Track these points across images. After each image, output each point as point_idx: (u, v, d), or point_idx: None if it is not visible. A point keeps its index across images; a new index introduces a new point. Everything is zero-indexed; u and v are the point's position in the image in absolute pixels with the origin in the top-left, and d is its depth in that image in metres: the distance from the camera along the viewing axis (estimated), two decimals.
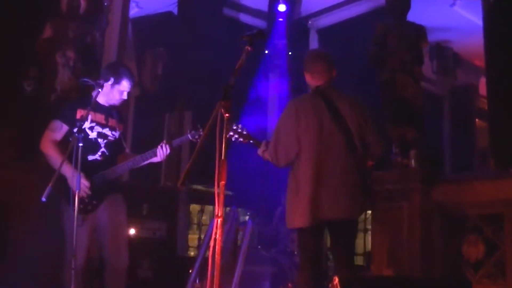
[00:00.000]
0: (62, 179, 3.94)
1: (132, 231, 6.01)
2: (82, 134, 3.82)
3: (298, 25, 8.62)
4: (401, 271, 5.44)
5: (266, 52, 8.49)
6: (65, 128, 4.20)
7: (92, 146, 4.20)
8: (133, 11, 7.79)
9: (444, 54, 9.23)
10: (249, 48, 3.13)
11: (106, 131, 4.30)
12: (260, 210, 7.80)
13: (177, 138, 4.49)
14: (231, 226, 5.31)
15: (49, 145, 4.17)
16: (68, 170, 3.94)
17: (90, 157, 4.19)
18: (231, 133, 4.25)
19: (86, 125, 4.16)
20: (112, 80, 4.25)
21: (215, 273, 2.80)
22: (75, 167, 3.80)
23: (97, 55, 6.04)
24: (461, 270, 5.30)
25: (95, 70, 5.65)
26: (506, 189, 5.10)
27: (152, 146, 4.32)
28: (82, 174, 3.91)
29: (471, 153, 9.45)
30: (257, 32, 3.17)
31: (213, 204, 2.91)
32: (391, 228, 5.67)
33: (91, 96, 4.31)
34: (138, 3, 7.97)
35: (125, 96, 4.38)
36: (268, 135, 7.41)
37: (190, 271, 5.12)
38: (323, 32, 8.74)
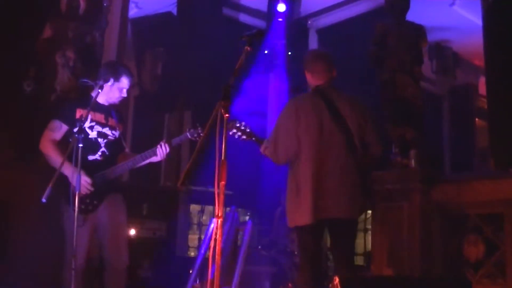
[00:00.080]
0: (62, 179, 3.95)
1: (132, 231, 6.01)
2: (82, 135, 3.82)
3: (297, 25, 8.61)
4: (401, 271, 5.44)
5: (266, 52, 8.48)
6: (64, 128, 4.20)
7: (92, 145, 4.20)
8: (133, 12, 7.78)
9: (444, 53, 9.23)
10: (248, 48, 3.13)
11: (106, 130, 4.30)
12: (260, 210, 7.80)
13: (176, 137, 4.49)
14: (231, 226, 5.30)
15: (48, 145, 4.17)
16: (68, 170, 3.95)
17: (90, 157, 4.19)
18: (234, 131, 4.27)
19: (86, 124, 4.16)
20: (111, 80, 4.25)
21: (215, 273, 2.80)
22: (75, 166, 3.80)
23: (97, 55, 6.04)
24: (461, 270, 5.30)
25: (94, 70, 5.64)
26: (506, 189, 5.10)
27: (152, 146, 4.32)
28: (82, 172, 3.92)
29: (471, 153, 9.44)
30: (256, 32, 3.18)
31: (213, 204, 2.91)
32: (391, 228, 5.67)
33: (90, 96, 4.31)
34: (137, 3, 7.97)
35: (124, 94, 4.38)
36: (268, 134, 7.40)
37: (190, 271, 5.11)
38: (323, 32, 8.74)
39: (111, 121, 4.34)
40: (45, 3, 5.78)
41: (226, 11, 8.10)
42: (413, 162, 5.71)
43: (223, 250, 3.25)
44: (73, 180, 3.90)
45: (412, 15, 6.26)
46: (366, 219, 7.12)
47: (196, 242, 7.76)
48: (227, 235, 5.22)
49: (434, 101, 9.73)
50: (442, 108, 10.03)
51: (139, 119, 8.66)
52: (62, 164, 3.77)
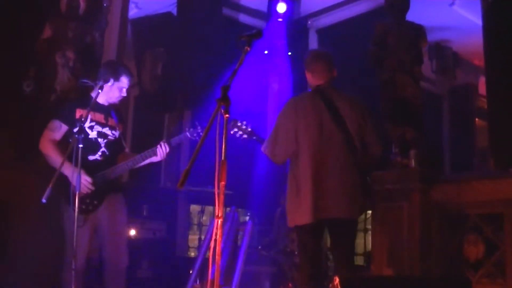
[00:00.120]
0: (63, 179, 3.95)
1: (132, 232, 6.01)
2: (82, 135, 3.82)
3: (297, 25, 8.61)
4: (401, 271, 5.44)
5: (266, 52, 8.48)
6: (64, 128, 4.20)
7: (92, 145, 4.20)
8: (133, 12, 7.78)
9: (444, 53, 9.23)
10: (248, 48, 3.13)
11: (106, 130, 4.30)
12: (260, 210, 7.80)
13: (176, 136, 4.50)
14: (231, 226, 5.31)
15: (48, 145, 4.17)
16: (68, 170, 3.95)
17: (91, 157, 4.19)
18: (235, 130, 4.28)
19: (86, 124, 4.16)
20: (111, 80, 4.25)
21: (215, 274, 2.80)
22: (76, 166, 3.80)
23: (97, 55, 6.04)
24: (461, 270, 5.30)
25: (94, 70, 5.64)
26: (506, 189, 5.10)
27: (151, 146, 4.33)
28: (82, 171, 3.92)
29: (470, 153, 9.43)
30: (256, 32, 3.18)
31: (213, 205, 2.91)
32: (391, 228, 5.67)
33: (90, 96, 4.32)
34: (137, 3, 7.97)
35: (124, 93, 4.39)
36: (268, 134, 7.41)
37: (191, 271, 5.11)
38: (323, 32, 8.73)
39: (111, 121, 4.35)
40: (45, 3, 5.78)
41: (226, 11, 8.10)
42: (413, 162, 5.70)
43: (223, 251, 3.25)
44: (73, 180, 3.90)
45: (412, 15, 6.26)
46: (366, 219, 7.13)
47: (196, 243, 7.77)
48: (227, 236, 5.22)
49: (434, 101, 9.73)
50: (442, 108, 10.03)
51: (139, 119, 8.66)
52: (62, 164, 3.77)
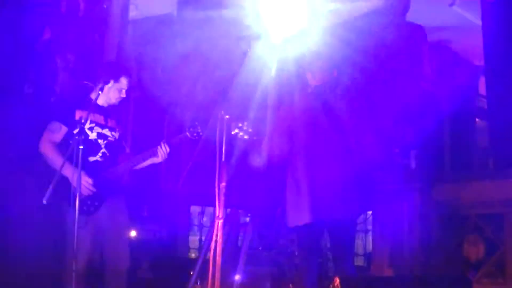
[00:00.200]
0: (63, 180, 3.95)
1: (132, 233, 6.01)
2: (83, 136, 3.82)
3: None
4: (401, 271, 5.45)
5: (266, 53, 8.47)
6: (64, 129, 4.20)
7: (93, 147, 4.20)
8: (133, 13, 7.77)
9: (444, 53, 9.22)
10: (248, 50, 3.14)
11: (106, 131, 4.30)
12: (260, 211, 7.80)
13: (176, 136, 4.50)
14: (232, 227, 5.31)
15: (48, 146, 4.17)
16: (69, 171, 3.94)
17: (91, 158, 4.19)
18: (236, 131, 4.28)
19: (86, 126, 4.16)
20: (111, 81, 4.25)
21: (215, 275, 2.81)
22: (76, 168, 3.80)
23: (97, 57, 6.04)
24: (461, 270, 5.31)
25: (94, 72, 5.65)
26: (505, 189, 5.11)
27: (152, 146, 4.33)
28: (83, 172, 3.92)
29: (470, 153, 9.43)
30: (256, 34, 3.19)
31: (214, 206, 2.92)
32: (391, 228, 5.67)
33: (89, 97, 4.32)
34: (137, 5, 7.96)
35: (124, 94, 4.39)
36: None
37: (191, 272, 5.12)
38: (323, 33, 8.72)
39: (111, 122, 4.35)
40: (45, 4, 5.78)
41: (226, 12, 8.09)
42: (413, 163, 5.71)
43: (223, 251, 3.26)
44: (74, 182, 3.90)
45: (412, 16, 6.26)
46: (366, 219, 7.13)
47: (196, 244, 7.78)
48: (227, 237, 5.22)
49: (434, 101, 9.71)
50: (442, 109, 10.01)
51: (139, 120, 8.66)
52: (62, 165, 3.77)
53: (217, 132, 2.95)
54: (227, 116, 2.94)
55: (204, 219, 7.49)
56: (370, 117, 4.31)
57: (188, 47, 7.25)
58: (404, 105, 6.01)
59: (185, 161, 7.53)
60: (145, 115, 8.31)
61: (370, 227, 6.95)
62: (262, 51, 8.09)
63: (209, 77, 7.15)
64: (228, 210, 5.59)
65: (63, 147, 4.12)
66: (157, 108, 8.13)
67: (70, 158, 3.79)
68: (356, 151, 4.12)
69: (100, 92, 4.15)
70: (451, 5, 7.92)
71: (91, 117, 4.16)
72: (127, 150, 4.55)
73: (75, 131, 3.96)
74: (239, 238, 5.56)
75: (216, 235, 2.84)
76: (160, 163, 4.47)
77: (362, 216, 7.45)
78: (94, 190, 4.10)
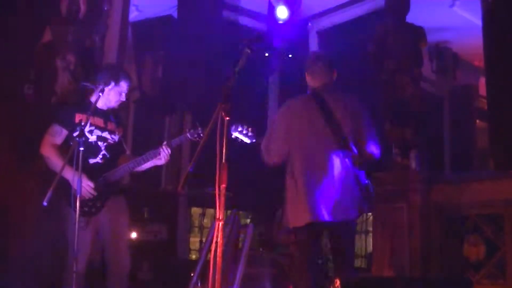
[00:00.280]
0: (64, 182, 3.95)
1: (133, 234, 6.02)
2: (83, 138, 3.82)
3: (298, 27, 8.61)
4: (402, 272, 5.45)
5: (266, 54, 8.48)
6: (64, 132, 4.20)
7: (93, 149, 4.21)
8: (133, 15, 7.78)
9: (444, 54, 9.24)
10: (248, 51, 3.14)
11: (106, 134, 4.30)
12: (261, 212, 7.81)
13: (176, 138, 4.50)
14: (232, 228, 5.31)
15: (49, 149, 4.17)
16: (69, 174, 3.95)
17: (91, 161, 4.20)
18: (236, 135, 4.28)
19: (86, 129, 4.16)
20: (112, 84, 4.26)
21: (216, 276, 2.81)
22: (77, 170, 3.80)
23: (97, 58, 6.04)
24: (462, 271, 5.31)
25: (95, 74, 5.66)
26: (506, 190, 5.11)
27: (153, 148, 4.33)
28: (84, 176, 3.93)
29: (471, 154, 9.44)
30: (256, 35, 3.20)
31: (214, 207, 2.92)
32: (392, 229, 5.68)
33: (89, 100, 4.33)
34: (138, 6, 7.97)
35: (123, 98, 4.39)
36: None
37: (192, 274, 5.12)
38: (323, 34, 8.74)
39: (110, 125, 4.35)
40: (45, 6, 5.79)
41: (226, 13, 8.10)
42: (413, 163, 5.72)
43: (224, 253, 3.26)
44: (75, 184, 3.91)
45: (412, 16, 6.27)
46: (366, 220, 7.13)
47: (197, 245, 7.78)
48: (228, 238, 5.22)
49: (434, 101, 9.73)
50: (442, 109, 10.03)
51: (139, 122, 8.66)
52: (62, 167, 3.78)
53: (218, 133, 2.94)
54: (227, 118, 2.93)
55: (205, 220, 7.49)
56: (370, 117, 4.30)
57: (188, 49, 7.26)
58: (404, 106, 6.01)
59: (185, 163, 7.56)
60: (145, 118, 8.32)
61: (370, 228, 6.95)
62: (262, 52, 8.10)
63: (208, 79, 7.16)
64: (229, 211, 5.59)
65: (64, 149, 4.13)
66: (158, 110, 8.13)
67: (71, 161, 3.80)
68: (354, 151, 4.12)
69: (100, 94, 4.15)
70: (451, 6, 7.93)
71: (91, 120, 4.16)
72: (128, 152, 4.55)
73: (75, 134, 3.96)
74: (240, 240, 5.56)
75: (217, 237, 2.84)
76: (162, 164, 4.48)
77: (362, 217, 7.46)
78: (95, 194, 4.10)
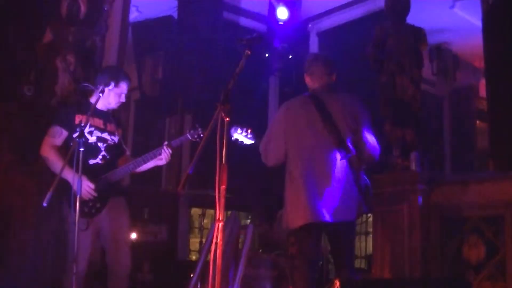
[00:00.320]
0: (64, 183, 3.95)
1: (133, 235, 6.01)
2: (83, 139, 3.82)
3: (298, 28, 8.62)
4: (402, 273, 5.45)
5: (267, 55, 8.49)
6: (64, 133, 4.20)
7: (92, 150, 4.20)
8: (133, 16, 7.79)
9: (444, 55, 9.24)
10: (248, 52, 3.14)
11: (105, 135, 4.30)
12: (261, 213, 7.80)
13: (176, 138, 4.50)
14: (232, 229, 5.31)
15: (49, 150, 4.17)
16: (69, 175, 3.94)
17: (91, 161, 4.19)
18: (236, 137, 4.29)
19: (85, 130, 4.15)
20: (112, 84, 4.26)
21: (216, 277, 2.81)
22: (77, 171, 3.80)
23: (97, 59, 6.05)
24: (462, 272, 5.30)
25: (95, 74, 5.66)
26: (506, 191, 5.11)
27: (153, 149, 4.33)
28: (84, 177, 3.93)
29: (471, 155, 9.45)
30: (256, 36, 3.19)
31: (214, 208, 2.91)
32: (392, 230, 5.68)
33: (89, 101, 4.33)
34: (138, 7, 7.98)
35: (123, 99, 4.39)
36: None
37: (192, 275, 5.12)
38: (323, 35, 8.75)
39: (110, 126, 4.35)
40: (45, 7, 5.79)
41: (227, 14, 8.11)
42: (413, 164, 5.71)
43: (224, 254, 3.26)
44: (75, 185, 3.90)
45: (413, 18, 6.27)
46: (367, 221, 7.13)
47: (197, 246, 7.77)
48: (228, 239, 5.22)
49: (435, 102, 9.74)
50: (443, 110, 10.04)
51: (139, 123, 8.67)
52: (62, 168, 3.77)
53: (218, 134, 2.94)
54: (227, 119, 2.93)
55: (205, 221, 7.48)
56: (369, 118, 4.30)
57: (188, 50, 7.27)
58: (404, 107, 6.01)
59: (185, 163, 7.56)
60: (146, 118, 8.32)
61: (370, 229, 6.95)
62: (262, 53, 8.10)
63: (209, 79, 7.16)
64: (229, 212, 5.59)
65: (64, 150, 4.13)
66: (158, 110, 8.14)
67: (71, 161, 3.79)
68: (352, 152, 4.11)
69: (100, 95, 4.15)
70: (452, 7, 7.94)
71: (90, 121, 4.15)
72: (127, 153, 4.55)
73: (75, 135, 3.96)
74: (240, 241, 5.55)
75: (217, 238, 2.84)
76: (160, 165, 4.48)
77: (362, 218, 7.46)
78: (95, 194, 4.10)
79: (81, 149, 3.76)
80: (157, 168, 4.61)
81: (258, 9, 8.56)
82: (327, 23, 8.70)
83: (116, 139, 4.37)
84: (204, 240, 6.35)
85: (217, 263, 2.82)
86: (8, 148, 5.40)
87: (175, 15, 7.65)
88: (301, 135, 4.12)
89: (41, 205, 3.52)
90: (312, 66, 4.34)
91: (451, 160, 9.58)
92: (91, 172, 4.10)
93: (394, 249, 5.61)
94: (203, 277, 5.06)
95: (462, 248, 5.37)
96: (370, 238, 7.17)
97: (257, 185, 7.57)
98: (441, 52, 9.17)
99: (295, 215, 4.08)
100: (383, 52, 6.16)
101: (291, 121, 4.18)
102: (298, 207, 4.04)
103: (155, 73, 7.92)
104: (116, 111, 4.49)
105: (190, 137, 4.35)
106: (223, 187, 2.88)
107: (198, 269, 5.09)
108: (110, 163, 4.29)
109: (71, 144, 4.03)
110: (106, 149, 4.28)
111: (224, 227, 3.27)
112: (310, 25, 8.83)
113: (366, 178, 4.23)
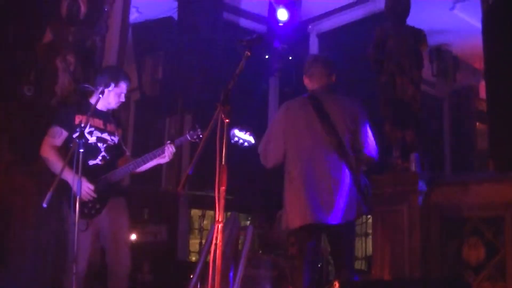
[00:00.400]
0: (64, 184, 3.95)
1: (133, 235, 6.01)
2: (83, 140, 3.82)
3: (298, 29, 8.63)
4: (402, 273, 5.45)
5: (267, 56, 8.50)
6: (64, 134, 4.20)
7: (92, 150, 4.20)
8: (133, 16, 7.80)
9: (444, 57, 9.25)
10: (248, 53, 3.14)
11: (105, 136, 4.30)
12: (260, 214, 7.81)
13: (177, 138, 4.51)
14: (232, 230, 5.31)
15: (49, 151, 4.17)
16: (69, 175, 3.94)
17: (91, 162, 4.19)
18: (236, 139, 4.28)
19: (85, 130, 4.15)
20: (112, 85, 4.26)
21: (215, 278, 2.81)
22: (76, 172, 3.80)
23: (97, 59, 6.04)
24: (461, 273, 5.30)
25: (95, 75, 5.66)
26: (506, 192, 5.11)
27: (153, 149, 4.33)
28: (85, 178, 3.93)
29: (471, 156, 9.45)
30: (256, 37, 3.19)
31: (214, 209, 2.91)
32: (391, 231, 5.68)
33: (89, 102, 4.33)
34: (138, 8, 7.99)
35: (123, 99, 4.40)
36: None
37: (191, 276, 5.12)
38: (323, 36, 8.75)
39: (110, 127, 4.35)
40: (45, 7, 5.79)
41: (227, 15, 8.12)
42: (413, 165, 5.71)
43: (223, 255, 3.26)
44: (74, 186, 3.90)
45: (413, 19, 6.27)
46: (366, 223, 7.13)
47: (197, 247, 7.77)
48: (227, 240, 5.22)
49: (435, 104, 9.75)
50: (443, 111, 10.05)
51: (140, 123, 8.67)
52: (62, 169, 3.77)
53: (217, 135, 2.94)
54: (227, 120, 2.93)
55: (205, 222, 7.49)
56: (368, 120, 4.30)
57: (188, 50, 7.27)
58: (404, 108, 6.01)
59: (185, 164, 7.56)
60: (146, 118, 8.32)
61: (370, 230, 6.95)
62: (262, 54, 8.10)
63: (209, 79, 7.17)
64: (229, 213, 5.59)
65: (63, 151, 4.13)
66: (158, 110, 8.14)
67: (71, 162, 3.79)
68: (350, 153, 4.12)
69: (100, 96, 4.15)
70: (452, 8, 7.95)
71: (90, 121, 4.15)
72: (127, 153, 4.55)
73: (75, 135, 3.96)
74: (240, 242, 5.56)
75: (216, 239, 2.84)
76: (161, 165, 4.48)
77: (361, 219, 7.46)
78: (95, 196, 4.10)
79: (81, 150, 3.76)
80: (157, 168, 4.62)
81: (258, 10, 8.57)
82: (327, 24, 8.70)
83: (116, 139, 4.37)
84: (204, 241, 6.35)
85: (216, 264, 2.82)
86: (8, 148, 5.40)
87: (175, 16, 7.66)
88: (300, 136, 4.12)
89: (41, 205, 3.52)
90: (312, 67, 4.34)
91: (451, 160, 9.59)
92: (91, 173, 4.10)
93: (394, 250, 5.61)
94: (203, 278, 5.06)
95: (462, 249, 5.37)
96: (370, 240, 7.17)
97: (256, 186, 7.56)
98: (441, 53, 9.17)
99: (294, 215, 4.08)
100: (383, 53, 6.17)
101: (291, 122, 4.18)
102: (298, 208, 4.04)
103: (155, 73, 7.93)
104: (116, 111, 4.49)
105: (189, 138, 4.35)
106: (222, 188, 2.88)
107: (198, 270, 5.09)
108: (110, 164, 4.29)
109: (71, 144, 4.03)
110: (106, 149, 4.28)
111: (224, 228, 3.27)
112: (310, 27, 8.84)
113: (365, 178, 4.23)
